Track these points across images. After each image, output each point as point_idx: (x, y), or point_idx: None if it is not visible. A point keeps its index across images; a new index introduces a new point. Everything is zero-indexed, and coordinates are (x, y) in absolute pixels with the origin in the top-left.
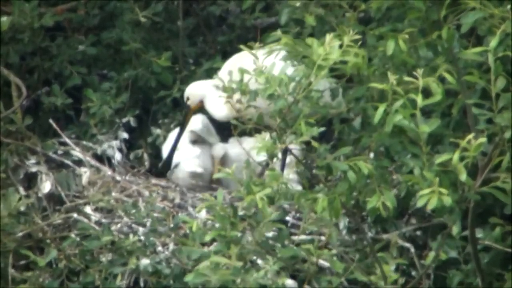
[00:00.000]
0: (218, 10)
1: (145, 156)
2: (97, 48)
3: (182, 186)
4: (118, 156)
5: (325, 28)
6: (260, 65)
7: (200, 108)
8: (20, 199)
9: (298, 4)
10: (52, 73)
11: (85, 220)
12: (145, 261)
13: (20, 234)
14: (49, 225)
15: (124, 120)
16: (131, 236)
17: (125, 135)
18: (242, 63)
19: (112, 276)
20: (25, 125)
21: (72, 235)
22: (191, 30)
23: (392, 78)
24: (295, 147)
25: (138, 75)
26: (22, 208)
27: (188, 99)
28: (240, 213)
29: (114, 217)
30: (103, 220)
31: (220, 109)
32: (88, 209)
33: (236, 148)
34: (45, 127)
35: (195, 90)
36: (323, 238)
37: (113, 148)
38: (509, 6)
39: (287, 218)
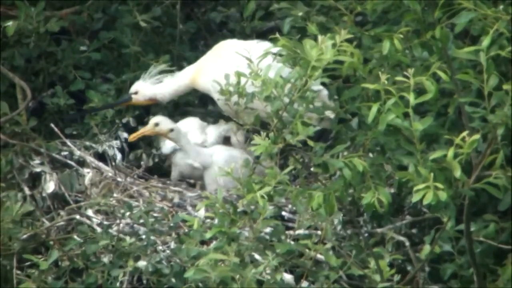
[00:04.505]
0: (218, 16)
1: (144, 156)
2: (101, 52)
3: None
4: (118, 155)
5: (326, 34)
6: (255, 68)
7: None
8: (23, 202)
9: (300, 13)
10: (57, 76)
11: (88, 222)
12: (144, 263)
13: (24, 236)
14: (53, 226)
15: (124, 120)
16: (127, 238)
17: (125, 135)
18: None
19: (113, 276)
20: (30, 127)
21: (75, 237)
22: (193, 35)
23: (383, 77)
24: None
25: (137, 77)
26: (29, 210)
27: (136, 93)
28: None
29: (116, 218)
30: (105, 222)
31: (171, 85)
32: (90, 212)
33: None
34: (51, 128)
35: (146, 90)
36: (319, 232)
37: (113, 147)
38: (502, 7)
39: (283, 212)
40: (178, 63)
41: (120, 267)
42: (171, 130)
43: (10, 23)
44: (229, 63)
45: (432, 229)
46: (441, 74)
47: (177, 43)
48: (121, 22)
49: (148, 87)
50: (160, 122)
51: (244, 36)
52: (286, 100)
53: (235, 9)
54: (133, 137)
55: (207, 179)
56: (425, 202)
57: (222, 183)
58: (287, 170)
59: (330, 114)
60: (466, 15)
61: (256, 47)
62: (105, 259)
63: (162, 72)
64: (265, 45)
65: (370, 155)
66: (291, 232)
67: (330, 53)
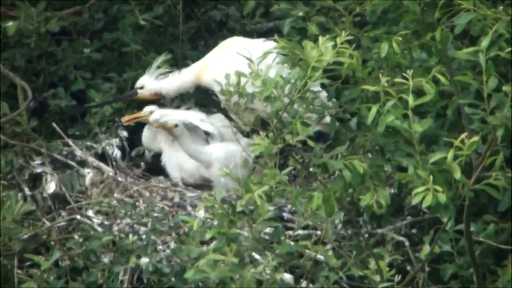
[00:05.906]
0: (218, 14)
1: (146, 153)
2: (102, 52)
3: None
4: (118, 154)
5: (326, 35)
6: (256, 68)
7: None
8: (23, 202)
9: (300, 13)
10: (58, 76)
11: (88, 222)
12: (146, 260)
13: (25, 236)
14: (53, 226)
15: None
16: (130, 236)
17: (125, 133)
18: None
19: (114, 275)
20: (31, 127)
21: (76, 236)
22: (193, 34)
23: (384, 79)
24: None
25: (138, 76)
26: (30, 209)
27: (142, 87)
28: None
29: (117, 218)
30: (106, 222)
31: (176, 81)
32: (90, 212)
33: None
34: (52, 128)
35: (152, 84)
36: (319, 232)
37: (112, 146)
38: (501, 7)
39: (282, 213)
40: (182, 62)
41: (121, 264)
42: (176, 125)
43: (10, 23)
44: (234, 61)
45: (432, 229)
46: (440, 77)
47: (180, 42)
48: (123, 22)
49: (153, 82)
50: (154, 111)
51: (245, 35)
52: (286, 100)
53: (235, 8)
54: (126, 120)
55: (212, 178)
56: (424, 204)
57: (223, 182)
58: (286, 170)
59: (327, 118)
60: (465, 15)
61: (262, 46)
62: (106, 259)
63: (161, 65)
64: (270, 44)
65: (369, 155)
66: (291, 232)
67: (330, 54)
